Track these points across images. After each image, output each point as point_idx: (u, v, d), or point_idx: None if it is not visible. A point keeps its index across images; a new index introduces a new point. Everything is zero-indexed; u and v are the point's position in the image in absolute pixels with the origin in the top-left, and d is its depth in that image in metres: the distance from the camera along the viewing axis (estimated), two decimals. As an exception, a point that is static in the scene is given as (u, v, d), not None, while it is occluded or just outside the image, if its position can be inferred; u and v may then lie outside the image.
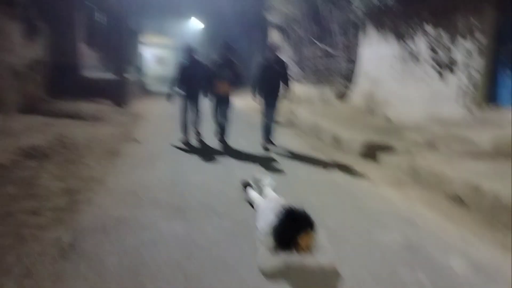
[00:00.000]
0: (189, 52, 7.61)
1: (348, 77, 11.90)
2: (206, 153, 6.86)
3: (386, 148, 6.66)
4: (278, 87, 7.29)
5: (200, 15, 27.04)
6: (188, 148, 7.22)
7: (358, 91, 11.01)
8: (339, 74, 12.40)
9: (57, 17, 12.13)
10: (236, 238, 3.42)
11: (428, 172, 5.16)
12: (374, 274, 2.90)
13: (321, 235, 2.97)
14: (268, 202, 3.59)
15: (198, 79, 7.48)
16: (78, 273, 2.75)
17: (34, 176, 4.98)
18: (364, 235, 3.62)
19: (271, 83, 7.21)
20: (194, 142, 7.70)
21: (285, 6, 15.29)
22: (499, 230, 3.84)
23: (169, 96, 7.69)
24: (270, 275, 2.74)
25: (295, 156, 6.86)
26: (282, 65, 7.35)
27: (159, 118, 10.68)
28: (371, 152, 6.68)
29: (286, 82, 7.33)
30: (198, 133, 7.99)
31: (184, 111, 7.64)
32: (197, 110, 7.80)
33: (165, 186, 4.86)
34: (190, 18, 28.66)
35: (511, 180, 4.31)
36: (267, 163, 6.23)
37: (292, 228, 2.81)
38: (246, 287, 2.67)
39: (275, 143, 7.51)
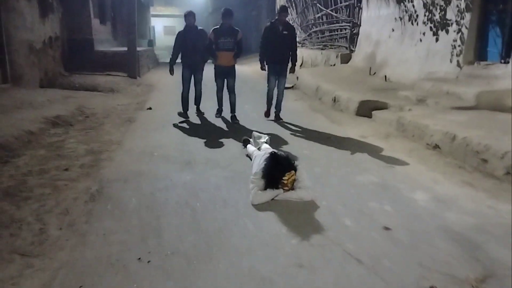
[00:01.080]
0: (188, 18, 6.99)
1: (352, 40, 12.21)
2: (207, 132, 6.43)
3: (380, 106, 7.14)
4: (287, 54, 6.82)
5: (232, 19, 27.16)
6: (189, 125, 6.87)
7: (361, 53, 11.36)
8: (343, 37, 12.70)
9: (70, -6, 12.61)
10: (235, 184, 4.04)
11: (413, 125, 5.67)
12: (346, 205, 3.50)
13: (303, 176, 3.59)
14: (261, 152, 4.20)
15: (197, 48, 6.98)
16: (106, 211, 3.42)
17: (61, 141, 5.68)
18: (345, 178, 4.21)
19: (279, 49, 6.69)
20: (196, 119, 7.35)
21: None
22: (466, 170, 4.38)
23: (171, 69, 7.26)
24: (259, 206, 3.39)
25: (295, 117, 7.38)
26: (291, 30, 6.80)
27: (170, 87, 11.24)
28: (366, 110, 7.18)
29: (294, 50, 6.87)
30: (199, 111, 7.62)
31: (185, 83, 7.29)
32: (198, 83, 7.36)
33: (175, 146, 5.50)
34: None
35: (484, 128, 4.83)
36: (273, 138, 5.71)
37: (277, 169, 3.43)
38: (240, 217, 3.29)
39: (282, 118, 7.12)
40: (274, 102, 7.17)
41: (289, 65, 6.97)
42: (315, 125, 6.69)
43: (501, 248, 2.77)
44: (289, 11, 7.18)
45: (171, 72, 7.27)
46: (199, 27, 7.16)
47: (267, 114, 7.28)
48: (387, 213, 3.37)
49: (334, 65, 12.46)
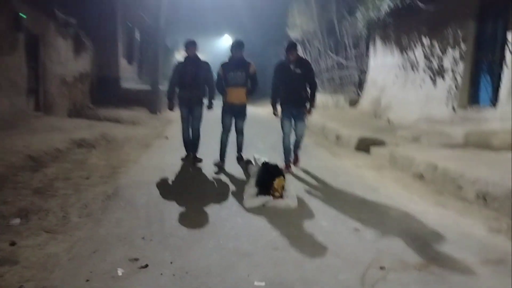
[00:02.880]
0: (189, 48, 6.05)
1: (360, 86, 12.95)
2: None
3: (378, 143, 7.68)
4: (304, 94, 5.85)
5: (233, 32, 28.86)
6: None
7: (367, 98, 12.04)
8: (351, 83, 13.47)
9: (102, 36, 13.86)
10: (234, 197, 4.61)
11: (403, 157, 6.18)
12: (325, 212, 4.02)
13: (290, 186, 4.16)
14: (256, 166, 4.79)
15: (197, 81, 6.06)
16: (119, 206, 4.02)
17: (85, 158, 6.36)
18: (333, 195, 4.72)
19: (293, 90, 5.77)
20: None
21: (305, 23, 16.56)
22: (443, 195, 4.84)
23: (169, 104, 6.34)
24: (251, 210, 3.94)
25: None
26: (305, 67, 5.81)
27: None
28: (365, 146, 7.72)
29: (312, 89, 5.89)
30: (195, 158, 6.33)
31: (184, 122, 6.31)
32: (196, 121, 6.26)
33: (184, 164, 6.11)
34: (224, 35, 30.67)
35: (464, 160, 5.32)
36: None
37: (268, 175, 4.00)
38: (233, 215, 3.82)
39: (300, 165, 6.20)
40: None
41: (307, 106, 5.92)
42: (317, 157, 7.23)
43: (450, 246, 3.22)
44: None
45: (171, 107, 6.33)
46: (203, 60, 6.19)
47: (287, 168, 5.95)
48: (361, 219, 3.86)
49: (343, 108, 13.15)
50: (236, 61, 5.97)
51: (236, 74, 5.96)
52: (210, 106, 6.32)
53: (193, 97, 6.11)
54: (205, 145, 6.70)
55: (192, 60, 6.07)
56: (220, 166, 6.04)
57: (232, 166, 6.13)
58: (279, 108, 6.00)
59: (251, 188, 4.18)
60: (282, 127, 5.97)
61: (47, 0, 10.02)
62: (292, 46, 5.83)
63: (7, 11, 8.14)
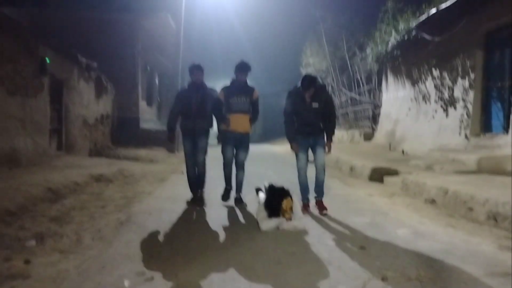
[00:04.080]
0: (194, 72, 5.46)
1: (374, 119, 13.05)
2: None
3: (391, 172, 7.68)
4: (321, 124, 5.16)
5: (248, 75, 29.58)
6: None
7: (382, 131, 12.11)
8: (365, 117, 13.58)
9: (123, 78, 14.49)
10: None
11: (414, 183, 6.17)
12: (332, 233, 4.04)
13: (297, 208, 4.23)
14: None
15: (203, 110, 5.47)
16: (130, 230, 4.14)
17: (101, 191, 6.56)
18: (342, 218, 4.73)
19: (310, 122, 5.08)
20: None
21: (318, 61, 16.98)
22: (454, 217, 4.80)
23: (170, 135, 5.78)
24: (266, 231, 4.04)
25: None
26: (323, 99, 5.04)
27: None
28: (378, 176, 7.73)
29: (332, 119, 5.22)
30: (201, 199, 5.63)
31: (189, 158, 5.66)
32: (201, 154, 5.62)
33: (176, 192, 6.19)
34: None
35: (476, 185, 5.30)
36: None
37: (275, 197, 4.10)
38: (241, 235, 3.90)
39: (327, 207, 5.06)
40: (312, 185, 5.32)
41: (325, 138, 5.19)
42: (329, 186, 7.25)
43: (456, 261, 3.20)
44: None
45: (171, 137, 5.82)
46: (210, 87, 5.65)
47: (306, 208, 5.12)
48: (367, 238, 3.87)
49: (358, 143, 13.20)
50: (240, 85, 5.37)
51: (240, 99, 5.35)
52: (220, 139, 5.59)
53: (198, 128, 5.48)
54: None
55: (198, 86, 5.48)
56: (228, 192, 5.66)
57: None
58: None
59: (262, 212, 4.27)
60: (296, 160, 5.21)
61: (70, 44, 10.63)
62: (308, 83, 4.86)
63: (34, 56, 8.68)
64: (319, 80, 16.88)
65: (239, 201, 5.57)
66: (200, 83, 5.52)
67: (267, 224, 4.16)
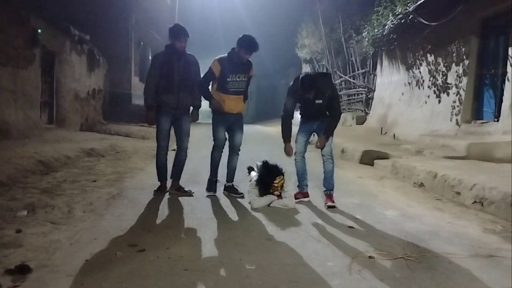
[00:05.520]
0: (177, 36, 4.45)
1: (367, 103, 13.09)
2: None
3: (382, 156, 7.75)
4: (324, 111, 4.55)
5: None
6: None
7: (374, 115, 12.17)
8: (359, 101, 13.62)
9: (115, 53, 14.31)
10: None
11: (404, 167, 6.25)
12: (321, 212, 4.11)
13: (288, 187, 4.28)
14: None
15: (187, 83, 4.58)
16: (122, 204, 4.17)
17: (93, 165, 6.56)
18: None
19: (313, 111, 4.56)
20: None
21: (313, 43, 16.88)
22: (442, 201, 4.89)
23: (148, 114, 4.69)
24: (257, 209, 4.08)
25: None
26: (328, 94, 4.42)
27: (196, 137, 12.18)
28: (369, 159, 7.80)
29: (336, 116, 4.60)
30: (178, 188, 4.81)
31: (163, 139, 4.73)
32: (184, 138, 4.80)
33: (187, 169, 6.16)
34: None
35: (464, 169, 5.38)
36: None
37: (268, 174, 4.13)
38: (231, 212, 3.94)
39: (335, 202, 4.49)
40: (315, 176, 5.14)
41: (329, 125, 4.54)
42: (319, 168, 7.32)
43: (442, 242, 3.28)
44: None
45: (150, 118, 4.71)
46: (188, 52, 4.67)
47: (300, 196, 4.65)
48: (356, 219, 3.94)
49: (350, 126, 13.26)
50: (242, 62, 4.57)
51: (240, 78, 4.62)
52: (196, 118, 4.90)
53: (183, 104, 4.62)
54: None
55: (180, 53, 4.53)
56: (214, 185, 4.86)
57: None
58: (293, 143, 4.68)
59: (253, 189, 4.31)
60: (296, 141, 4.69)
61: (63, 17, 10.44)
62: (309, 86, 4.24)
63: (26, 27, 8.52)
64: (323, 70, 16.64)
65: (232, 189, 4.82)
66: (183, 51, 4.56)
67: (259, 202, 4.21)
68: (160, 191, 4.71)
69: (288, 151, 4.58)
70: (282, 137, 4.64)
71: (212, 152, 4.85)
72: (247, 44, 4.46)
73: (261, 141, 12.53)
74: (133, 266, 2.60)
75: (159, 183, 4.86)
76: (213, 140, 4.84)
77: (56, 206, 3.95)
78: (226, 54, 4.61)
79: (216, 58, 4.62)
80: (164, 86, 4.48)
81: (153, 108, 4.58)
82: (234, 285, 2.38)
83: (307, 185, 4.76)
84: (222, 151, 4.86)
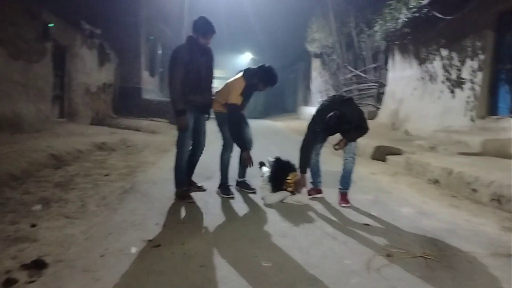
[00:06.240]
0: (204, 30, 4.15)
1: (378, 98, 12.96)
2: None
3: (394, 152, 7.67)
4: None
5: (253, 49, 29.29)
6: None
7: (386, 110, 12.03)
8: (370, 96, 13.48)
9: (126, 48, 14.31)
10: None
11: (418, 163, 6.16)
12: (336, 209, 4.06)
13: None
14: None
15: (210, 81, 4.37)
16: (135, 198, 4.15)
17: (104, 159, 6.56)
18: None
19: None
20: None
21: (324, 37, 16.73)
22: (458, 198, 4.81)
23: (182, 119, 4.11)
24: (270, 205, 4.06)
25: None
26: (351, 115, 4.14)
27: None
28: (381, 155, 7.71)
29: (358, 129, 4.29)
30: (192, 183, 4.64)
31: (188, 139, 4.34)
32: (203, 145, 4.60)
33: (198, 164, 6.18)
34: (244, 53, 31.16)
35: (480, 166, 5.29)
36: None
37: (281, 171, 4.09)
38: (244, 210, 3.91)
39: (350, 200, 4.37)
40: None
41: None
42: (331, 165, 7.26)
43: (460, 240, 3.22)
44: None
45: (183, 125, 4.14)
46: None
47: (313, 192, 4.58)
48: (371, 216, 3.88)
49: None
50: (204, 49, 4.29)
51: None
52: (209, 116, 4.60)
53: (209, 104, 4.42)
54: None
55: (204, 49, 4.24)
56: (228, 188, 4.58)
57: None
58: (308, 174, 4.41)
59: (266, 185, 4.27)
60: (312, 138, 4.33)
61: (74, 11, 10.45)
62: (335, 126, 4.02)
63: (38, 21, 8.53)
64: (342, 95, 16.45)
65: (245, 185, 4.75)
66: (208, 48, 4.31)
67: (272, 198, 4.17)
68: (187, 197, 4.24)
69: (301, 184, 4.27)
70: (300, 166, 4.27)
71: (222, 153, 4.57)
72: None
73: (271, 136, 12.47)
74: (148, 262, 2.58)
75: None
76: (223, 139, 4.55)
77: (70, 200, 3.95)
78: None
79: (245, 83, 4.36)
80: (192, 85, 4.11)
81: (185, 112, 4.10)
82: (251, 282, 2.35)
83: (320, 182, 4.69)
84: (232, 151, 4.57)
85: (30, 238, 2.90)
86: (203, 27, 4.14)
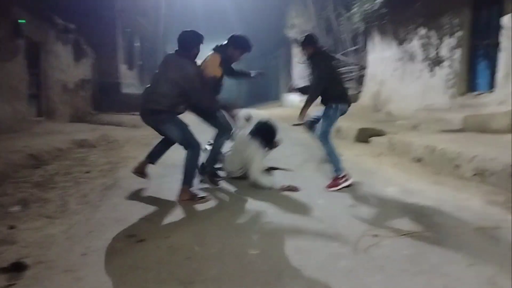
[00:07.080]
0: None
1: (359, 81, 12.98)
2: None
3: (377, 133, 7.68)
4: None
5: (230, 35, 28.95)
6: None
7: (367, 93, 12.07)
8: (351, 79, 13.49)
9: (102, 42, 13.99)
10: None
11: (401, 143, 6.19)
12: (321, 192, 4.04)
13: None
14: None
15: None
16: (117, 194, 4.06)
17: (85, 156, 6.41)
18: (327, 177, 4.72)
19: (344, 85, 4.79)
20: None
21: (303, 23, 16.65)
22: (440, 174, 4.84)
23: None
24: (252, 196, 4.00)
25: (297, 141, 7.99)
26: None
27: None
28: (364, 137, 7.73)
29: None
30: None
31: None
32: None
33: (179, 158, 6.12)
34: (223, 41, 30.73)
35: (462, 142, 5.32)
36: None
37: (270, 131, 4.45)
38: (233, 198, 3.86)
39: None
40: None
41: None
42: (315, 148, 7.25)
43: (445, 216, 3.23)
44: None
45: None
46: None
47: (341, 181, 4.26)
48: (356, 197, 3.87)
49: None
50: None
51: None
52: None
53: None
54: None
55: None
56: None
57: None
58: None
59: (257, 166, 4.33)
60: (330, 128, 4.50)
61: (46, 6, 10.14)
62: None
63: (8, 18, 8.25)
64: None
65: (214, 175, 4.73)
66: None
67: (268, 180, 4.24)
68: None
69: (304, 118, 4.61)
70: (309, 101, 4.46)
71: (217, 138, 4.61)
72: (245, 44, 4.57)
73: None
74: (132, 258, 2.51)
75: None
76: (217, 127, 4.63)
77: (50, 200, 3.84)
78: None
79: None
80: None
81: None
82: (238, 271, 2.31)
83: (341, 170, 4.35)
84: (229, 136, 4.67)
85: (8, 240, 2.80)
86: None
